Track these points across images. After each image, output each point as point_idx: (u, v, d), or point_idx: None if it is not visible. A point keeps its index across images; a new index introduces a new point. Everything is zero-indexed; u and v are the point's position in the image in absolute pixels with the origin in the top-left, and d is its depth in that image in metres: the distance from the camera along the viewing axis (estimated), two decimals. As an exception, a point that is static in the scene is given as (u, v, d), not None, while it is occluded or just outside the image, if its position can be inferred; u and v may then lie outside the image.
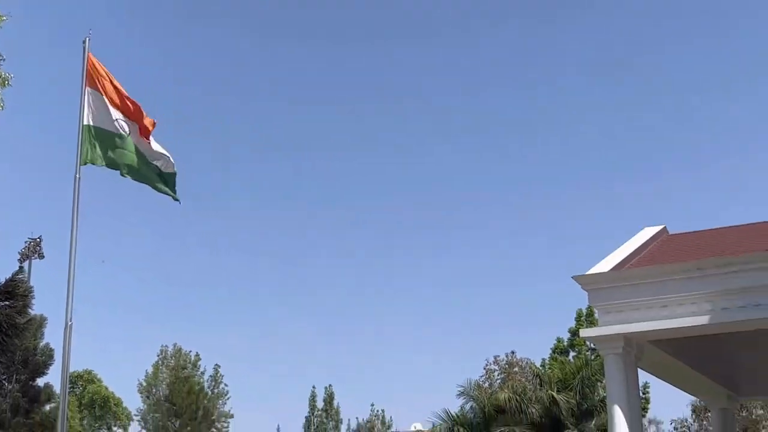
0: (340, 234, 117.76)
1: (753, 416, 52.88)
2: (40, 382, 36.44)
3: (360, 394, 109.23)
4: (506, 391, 35.05)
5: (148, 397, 67.47)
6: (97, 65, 15.40)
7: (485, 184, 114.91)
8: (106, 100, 15.34)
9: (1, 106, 15.59)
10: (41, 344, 36.89)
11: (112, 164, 15.40)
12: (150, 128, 15.57)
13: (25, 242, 45.69)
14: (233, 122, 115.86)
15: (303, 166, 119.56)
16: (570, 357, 46.25)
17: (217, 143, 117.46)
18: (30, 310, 35.46)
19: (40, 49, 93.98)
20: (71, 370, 15.87)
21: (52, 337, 37.39)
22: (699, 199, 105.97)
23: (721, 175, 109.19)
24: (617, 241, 18.49)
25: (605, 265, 16.41)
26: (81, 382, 75.02)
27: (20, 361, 35.04)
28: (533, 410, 33.05)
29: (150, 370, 68.83)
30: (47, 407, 36.45)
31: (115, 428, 76.00)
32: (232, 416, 69.06)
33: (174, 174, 15.91)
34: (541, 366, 43.38)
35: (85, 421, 70.81)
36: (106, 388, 76.11)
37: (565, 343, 49.25)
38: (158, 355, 69.67)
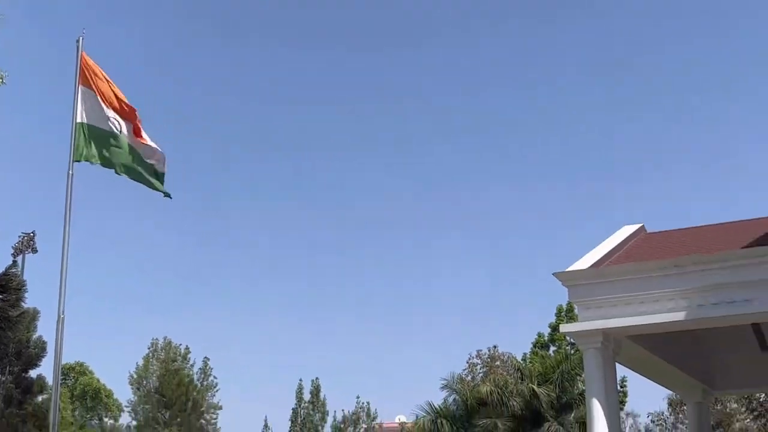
0: (330, 229, 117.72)
1: (727, 410, 53.12)
2: (33, 373, 36.37)
3: (346, 386, 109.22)
4: (488, 384, 35.12)
5: (138, 389, 67.30)
6: (90, 64, 15.34)
7: (477, 182, 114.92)
8: (100, 98, 15.30)
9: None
10: (34, 337, 36.78)
11: (107, 163, 15.36)
12: (140, 127, 15.53)
13: (19, 237, 45.56)
14: (233, 122, 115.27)
15: (303, 165, 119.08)
16: (550, 351, 46.34)
17: (217, 143, 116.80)
18: (23, 304, 35.59)
19: (37, 48, 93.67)
20: (63, 362, 15.85)
21: (44, 329, 37.33)
22: (676, 198, 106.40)
23: (716, 174, 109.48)
24: (599, 238, 18.53)
25: (585, 262, 16.44)
26: (73, 374, 74.81)
27: (13, 353, 34.95)
28: (514, 403, 33.15)
29: (141, 362, 68.69)
30: (40, 398, 36.35)
31: (106, 419, 75.76)
32: (220, 408, 69.01)
33: (164, 173, 15.87)
34: (522, 360, 43.50)
35: (76, 412, 70.56)
36: (98, 380, 75.92)
37: (546, 338, 49.30)
38: (149, 348, 69.58)
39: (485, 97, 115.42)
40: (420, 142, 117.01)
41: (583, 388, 21.63)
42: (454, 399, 35.55)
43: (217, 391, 68.98)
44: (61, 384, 15.55)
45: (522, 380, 34.65)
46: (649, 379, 22.54)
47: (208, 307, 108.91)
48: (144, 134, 15.57)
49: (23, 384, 35.23)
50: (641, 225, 20.38)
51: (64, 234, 14.48)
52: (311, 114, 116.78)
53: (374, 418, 69.93)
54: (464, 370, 51.27)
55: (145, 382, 67.18)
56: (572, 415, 33.04)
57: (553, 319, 48.87)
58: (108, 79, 15.54)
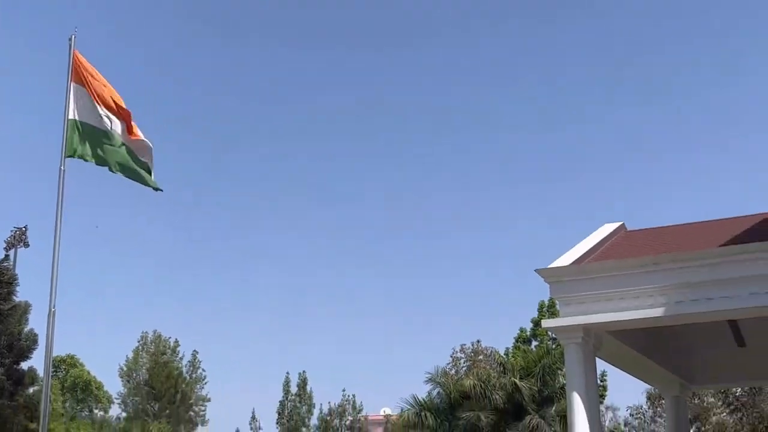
0: (323, 226, 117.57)
1: (704, 404, 53.30)
2: (24, 365, 36.23)
3: (332, 380, 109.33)
4: (471, 378, 35.18)
5: (128, 381, 67.27)
6: (83, 62, 15.28)
7: (463, 179, 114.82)
8: (92, 96, 15.24)
9: None
10: (26, 329, 36.62)
11: (101, 161, 15.31)
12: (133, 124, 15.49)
13: (11, 231, 45.45)
14: (233, 122, 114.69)
15: (302, 165, 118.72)
16: (532, 346, 46.42)
17: (217, 143, 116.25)
18: (14, 297, 35.46)
19: (32, 46, 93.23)
20: (54, 354, 15.80)
21: (36, 322, 37.17)
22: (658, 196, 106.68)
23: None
24: (580, 236, 18.58)
25: (566, 259, 16.47)
26: (64, 366, 74.46)
27: (5, 346, 34.83)
28: (497, 396, 33.21)
29: (131, 355, 68.63)
30: (31, 390, 36.25)
31: (96, 411, 75.49)
32: (209, 400, 69.06)
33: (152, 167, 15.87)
34: (504, 354, 43.54)
35: (67, 404, 70.23)
36: (88, 372, 75.60)
37: (528, 333, 49.41)
38: (139, 341, 69.56)
39: (485, 97, 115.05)
40: (420, 142, 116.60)
41: (564, 382, 21.69)
42: (438, 392, 35.59)
43: (205, 383, 69.08)
44: (52, 376, 15.49)
45: (504, 374, 34.69)
46: (628, 373, 22.61)
47: (197, 301, 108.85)
48: (136, 129, 15.53)
49: (15, 376, 35.10)
50: (621, 223, 20.44)
51: (56, 229, 14.46)
52: (311, 114, 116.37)
53: (360, 411, 70.09)
54: (448, 364, 51.50)
55: (134, 374, 67.16)
56: (553, 408, 33.09)
57: (535, 315, 48.99)
58: (103, 79, 15.49)
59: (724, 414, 52.96)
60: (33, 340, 36.30)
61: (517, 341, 49.03)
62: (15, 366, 35.47)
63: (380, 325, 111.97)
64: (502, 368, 35.70)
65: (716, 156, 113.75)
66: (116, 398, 69.18)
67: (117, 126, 15.35)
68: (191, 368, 68.58)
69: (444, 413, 34.39)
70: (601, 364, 19.66)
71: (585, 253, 17.03)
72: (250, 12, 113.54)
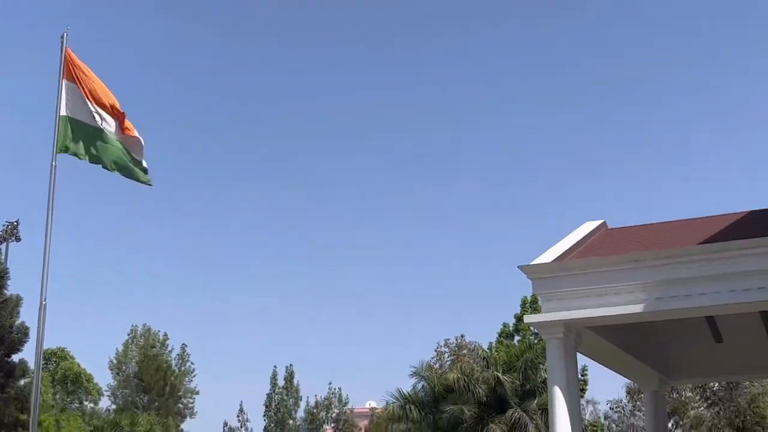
0: (313, 222, 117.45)
1: (683, 398, 53.58)
2: (15, 358, 36.03)
3: (319, 373, 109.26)
4: (455, 372, 35.25)
5: (118, 374, 67.06)
6: (76, 61, 15.19)
7: (447, 176, 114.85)
8: (84, 93, 15.14)
9: None
10: (17, 322, 36.39)
11: (94, 160, 15.20)
12: (129, 125, 15.41)
13: (3, 225, 45.17)
14: (233, 122, 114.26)
15: (301, 164, 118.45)
16: (515, 341, 46.53)
17: (216, 143, 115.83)
18: (6, 291, 35.27)
19: (27, 45, 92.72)
20: (45, 347, 15.75)
21: (27, 315, 36.98)
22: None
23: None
24: (562, 233, 18.61)
25: (548, 255, 16.50)
26: (54, 359, 74.07)
27: (-4, 338, 34.64)
28: (480, 390, 33.29)
29: (120, 348, 68.41)
30: (22, 382, 36.02)
31: (86, 403, 75.21)
32: (197, 392, 68.89)
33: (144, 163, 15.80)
34: (488, 349, 43.61)
35: (57, 396, 69.87)
36: (78, 365, 75.23)
37: (511, 328, 49.53)
38: (128, 334, 69.35)
39: (485, 97, 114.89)
40: (420, 142, 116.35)
41: (546, 376, 21.75)
42: (423, 386, 35.64)
43: (194, 376, 68.93)
44: (42, 368, 15.43)
45: (487, 368, 34.78)
46: (608, 368, 22.66)
47: (186, 295, 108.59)
48: (129, 124, 15.43)
49: (6, 368, 34.89)
50: (603, 221, 20.49)
51: (47, 223, 14.40)
52: (311, 114, 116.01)
53: (345, 404, 70.10)
54: (432, 358, 51.58)
55: (124, 367, 66.97)
56: (535, 402, 33.18)
57: (517, 310, 49.13)
58: (95, 77, 15.39)
59: (702, 408, 53.23)
60: (24, 332, 36.07)
61: (500, 336, 49.13)
62: (6, 358, 35.26)
63: (366, 320, 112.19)
64: (485, 362, 35.79)
65: (705, 156, 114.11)
66: (106, 390, 68.98)
67: (110, 123, 15.26)
68: (180, 361, 68.45)
69: (428, 406, 34.44)
70: (582, 359, 19.75)
71: (567, 250, 17.07)
72: (249, 12, 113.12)
